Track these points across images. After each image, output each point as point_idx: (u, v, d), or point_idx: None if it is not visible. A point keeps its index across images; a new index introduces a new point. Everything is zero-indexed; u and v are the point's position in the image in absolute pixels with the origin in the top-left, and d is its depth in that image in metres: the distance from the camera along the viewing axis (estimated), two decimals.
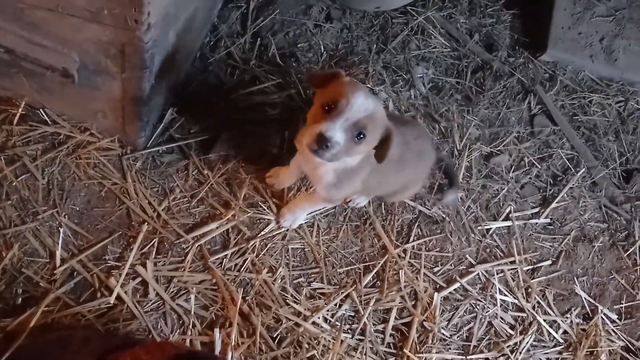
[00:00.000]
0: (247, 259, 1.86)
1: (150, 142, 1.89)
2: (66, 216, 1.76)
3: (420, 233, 2.06)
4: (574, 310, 2.12)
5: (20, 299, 1.66)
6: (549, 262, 2.16)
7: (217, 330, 1.75)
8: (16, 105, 1.77)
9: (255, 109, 2.04)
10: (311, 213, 1.95)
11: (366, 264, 1.97)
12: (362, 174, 1.60)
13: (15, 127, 1.77)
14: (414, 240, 2.04)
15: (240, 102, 2.03)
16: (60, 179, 1.78)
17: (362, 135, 1.40)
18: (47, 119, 1.80)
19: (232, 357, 1.73)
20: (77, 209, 1.78)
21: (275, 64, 2.14)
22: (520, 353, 2.00)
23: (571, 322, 2.10)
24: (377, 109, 1.42)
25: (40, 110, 1.79)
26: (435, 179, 2.12)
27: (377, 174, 1.65)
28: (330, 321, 1.88)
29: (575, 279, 2.17)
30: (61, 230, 1.74)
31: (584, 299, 2.15)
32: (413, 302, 1.97)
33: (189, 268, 1.81)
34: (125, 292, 1.72)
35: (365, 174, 1.61)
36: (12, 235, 1.70)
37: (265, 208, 1.93)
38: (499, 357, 1.99)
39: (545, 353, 2.03)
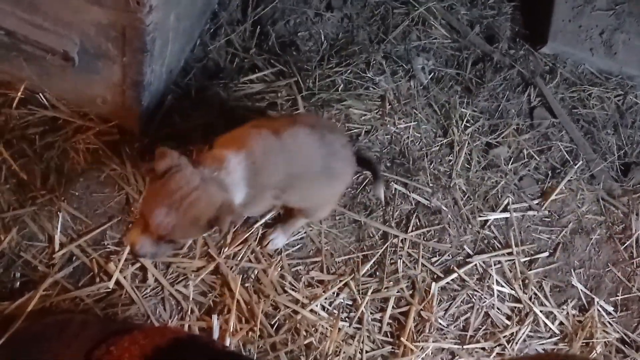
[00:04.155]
0: (246, 246, 1.86)
1: (150, 128, 1.88)
2: (65, 201, 1.75)
3: (418, 223, 2.07)
4: (571, 301, 2.14)
5: (18, 282, 1.66)
6: (546, 253, 2.17)
7: (215, 317, 1.76)
8: (15, 89, 1.75)
9: (254, 97, 2.03)
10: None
11: (365, 253, 1.98)
12: (263, 201, 1.55)
13: (14, 111, 1.76)
14: (412, 231, 2.04)
15: (239, 90, 2.02)
16: (59, 163, 1.77)
17: (172, 241, 1.39)
18: (46, 103, 1.78)
19: (230, 343, 1.74)
20: (76, 193, 1.77)
21: (275, 52, 2.13)
22: (517, 343, 2.01)
23: (567, 313, 2.11)
24: (186, 214, 1.32)
25: (40, 94, 1.77)
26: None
27: (300, 189, 1.59)
28: (328, 309, 1.89)
29: (572, 270, 2.18)
30: (60, 214, 1.73)
31: (580, 291, 2.16)
32: (411, 292, 1.98)
33: (188, 255, 1.81)
34: (124, 277, 1.72)
35: (268, 197, 1.55)
36: (11, 219, 1.69)
37: None
38: (495, 347, 2.00)
39: (541, 344, 2.04)
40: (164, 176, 1.31)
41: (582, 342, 2.07)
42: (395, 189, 2.07)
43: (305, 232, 1.94)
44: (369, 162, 1.91)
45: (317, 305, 1.87)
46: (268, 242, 1.86)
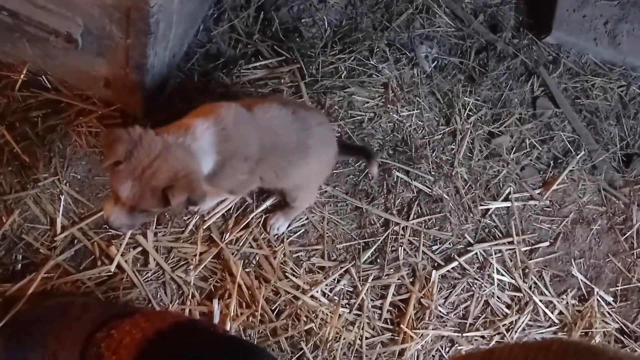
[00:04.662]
0: (248, 231, 1.86)
1: (152, 112, 1.87)
2: (67, 184, 1.75)
3: (420, 211, 2.07)
4: (570, 291, 2.14)
5: (20, 264, 1.66)
6: (547, 243, 2.17)
7: (216, 301, 1.76)
8: (18, 72, 1.75)
9: (257, 83, 2.03)
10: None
11: (366, 240, 1.98)
12: (236, 172, 1.52)
13: (17, 94, 1.75)
14: (414, 219, 2.04)
15: (242, 76, 2.02)
16: (62, 146, 1.77)
17: (145, 211, 1.39)
18: (49, 86, 1.78)
19: (230, 328, 1.74)
20: (78, 177, 1.77)
21: (278, 38, 2.13)
22: (516, 332, 2.02)
23: (567, 303, 2.11)
24: (147, 185, 1.30)
25: (42, 77, 1.77)
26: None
27: (274, 164, 1.57)
28: (328, 296, 1.89)
29: (572, 260, 2.18)
30: (62, 197, 1.73)
31: (580, 281, 2.16)
32: (411, 280, 1.99)
33: (189, 240, 1.81)
34: (126, 261, 1.72)
35: (242, 169, 1.51)
36: (13, 201, 1.69)
37: None
38: (495, 335, 2.00)
39: (540, 333, 2.05)
40: (125, 159, 1.30)
41: (581, 332, 2.08)
42: (397, 176, 2.06)
43: (307, 219, 1.94)
44: (359, 148, 1.91)
45: (317, 292, 1.87)
46: (270, 228, 1.86)
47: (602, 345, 2.10)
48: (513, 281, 2.08)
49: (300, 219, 1.93)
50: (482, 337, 2.00)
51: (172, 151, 1.32)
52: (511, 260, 2.10)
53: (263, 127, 1.50)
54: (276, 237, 1.89)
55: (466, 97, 2.27)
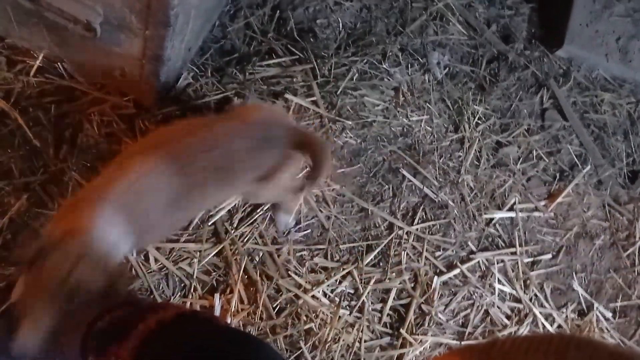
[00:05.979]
0: (253, 228, 1.87)
1: (165, 104, 1.88)
2: (76, 171, 1.76)
3: (425, 217, 2.07)
4: (570, 305, 2.14)
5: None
6: (549, 255, 2.17)
7: (217, 296, 1.76)
8: (34, 57, 1.76)
9: (270, 81, 2.04)
10: None
11: (369, 242, 1.98)
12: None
13: (32, 79, 1.76)
14: (418, 224, 2.05)
15: (255, 73, 2.02)
16: (73, 134, 1.78)
17: None
18: (64, 73, 1.79)
19: (231, 323, 1.75)
20: (88, 164, 1.78)
21: (292, 38, 2.14)
22: None
23: (566, 316, 2.12)
24: None
25: (58, 64, 1.78)
26: None
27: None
28: (329, 296, 1.89)
29: (573, 274, 2.18)
30: (71, 184, 1.73)
31: (580, 295, 2.17)
32: (413, 285, 1.99)
33: (194, 233, 1.82)
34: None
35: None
36: (22, 185, 1.70)
37: None
38: None
39: None
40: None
41: None
42: (404, 180, 2.07)
43: (315, 217, 1.94)
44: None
45: (319, 292, 1.87)
46: (277, 224, 1.88)
47: (603, 340, 2.10)
48: (514, 292, 2.08)
49: (307, 217, 1.94)
50: None
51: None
52: (513, 271, 2.10)
53: None
54: (284, 233, 1.90)
55: (476, 105, 2.27)
